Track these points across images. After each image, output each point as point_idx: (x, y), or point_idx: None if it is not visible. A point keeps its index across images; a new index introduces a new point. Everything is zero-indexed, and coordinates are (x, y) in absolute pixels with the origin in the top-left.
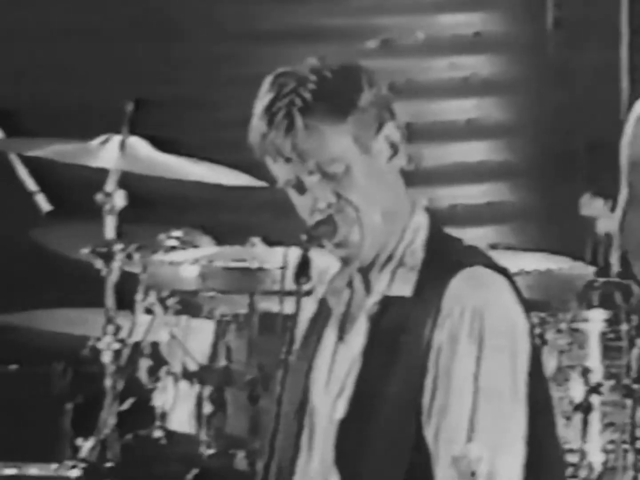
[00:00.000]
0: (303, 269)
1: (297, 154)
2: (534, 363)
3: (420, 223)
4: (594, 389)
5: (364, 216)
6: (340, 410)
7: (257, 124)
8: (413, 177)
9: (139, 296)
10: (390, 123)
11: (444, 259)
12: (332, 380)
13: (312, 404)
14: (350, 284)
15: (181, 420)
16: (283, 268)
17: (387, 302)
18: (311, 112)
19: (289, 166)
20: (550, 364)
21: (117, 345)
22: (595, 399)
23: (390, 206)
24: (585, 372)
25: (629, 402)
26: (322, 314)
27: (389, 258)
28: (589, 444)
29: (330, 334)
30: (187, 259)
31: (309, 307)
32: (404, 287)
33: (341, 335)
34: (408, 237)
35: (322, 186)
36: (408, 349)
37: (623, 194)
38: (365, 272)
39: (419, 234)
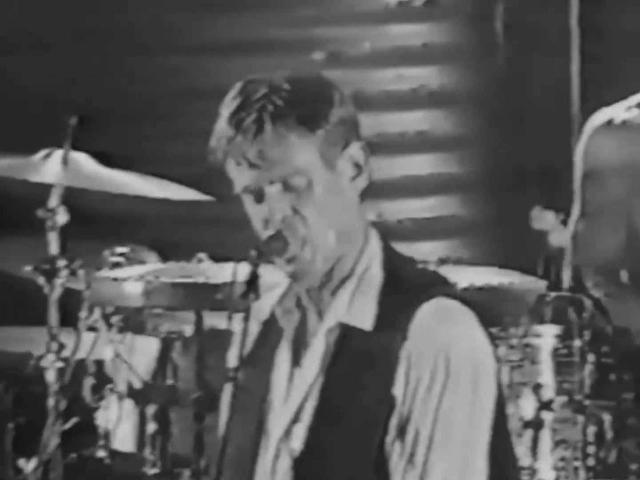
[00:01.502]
0: (252, 285)
1: (262, 160)
2: (498, 407)
3: (375, 245)
4: (546, 406)
5: (317, 234)
6: (297, 440)
7: (222, 127)
8: (361, 191)
9: (82, 313)
10: (356, 143)
11: (404, 285)
12: (289, 405)
13: (267, 428)
14: (299, 303)
15: (125, 440)
16: (231, 284)
17: (345, 332)
18: (282, 119)
19: (251, 172)
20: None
21: (60, 364)
22: (546, 416)
23: (346, 226)
24: (537, 388)
25: (580, 418)
26: (271, 333)
27: (344, 280)
28: (540, 461)
29: (283, 356)
30: (131, 276)
31: (251, 325)
32: (363, 317)
33: (296, 360)
34: (365, 260)
35: (280, 197)
36: (369, 385)
37: (575, 208)
38: (316, 292)
39: (375, 256)
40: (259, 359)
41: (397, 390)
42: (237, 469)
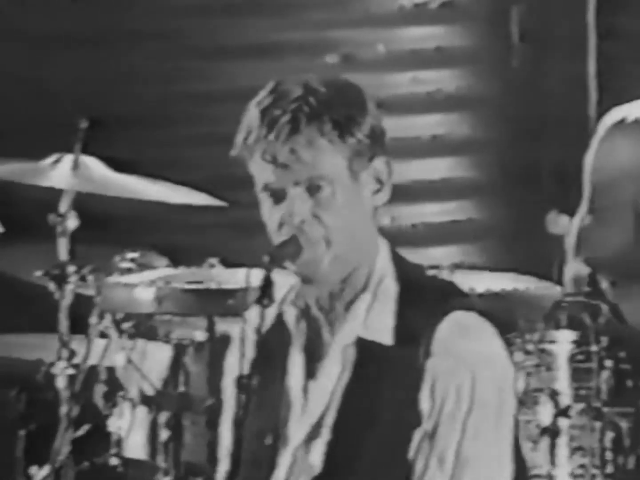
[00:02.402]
0: (265, 290)
1: (291, 161)
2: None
3: (385, 256)
4: (563, 412)
5: (335, 241)
6: (317, 456)
7: (253, 123)
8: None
9: (93, 319)
10: (382, 157)
11: (420, 297)
12: (306, 419)
13: (285, 439)
14: (307, 311)
15: (138, 447)
16: (244, 290)
17: (364, 347)
18: (317, 122)
19: (276, 171)
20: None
21: (71, 371)
22: (563, 423)
23: (362, 238)
24: (554, 394)
25: (598, 425)
26: (279, 337)
27: (359, 294)
28: (557, 468)
29: (296, 365)
30: (142, 281)
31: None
32: (382, 331)
33: (310, 370)
34: (378, 272)
35: (303, 200)
36: (393, 401)
37: (584, 206)
38: (327, 303)
39: (387, 267)
40: (270, 365)
41: (423, 406)
42: (255, 476)
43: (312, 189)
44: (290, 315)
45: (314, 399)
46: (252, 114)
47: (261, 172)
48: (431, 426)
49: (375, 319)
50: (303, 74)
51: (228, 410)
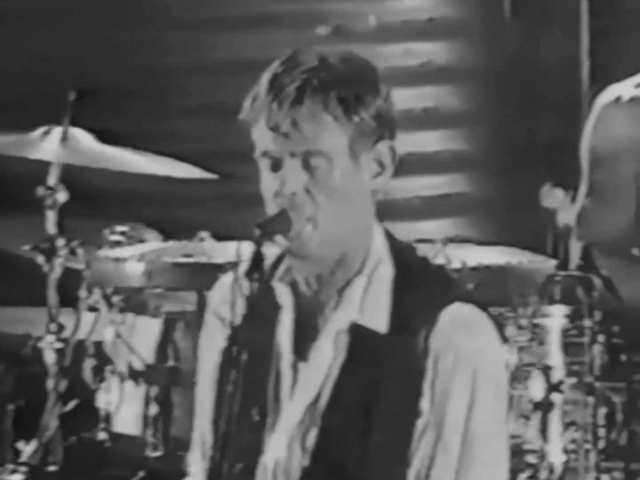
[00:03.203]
0: (256, 264)
1: (291, 131)
2: None
3: (380, 240)
4: (555, 387)
5: (324, 218)
6: (311, 442)
7: (262, 88)
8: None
9: (82, 293)
10: (386, 142)
11: (417, 284)
12: (297, 403)
13: (274, 419)
14: (295, 287)
15: (126, 422)
16: (235, 263)
17: (359, 333)
18: (323, 95)
19: (276, 139)
20: (510, 361)
21: (60, 345)
22: (556, 398)
23: (356, 221)
24: (546, 369)
25: (591, 400)
26: (265, 311)
27: (353, 278)
28: (550, 444)
29: (285, 342)
30: (132, 255)
31: (223, 314)
32: (377, 318)
33: (299, 350)
34: (373, 256)
35: (297, 173)
36: (387, 391)
37: (583, 185)
38: (317, 284)
39: (383, 251)
40: (254, 339)
41: (424, 403)
42: (238, 456)
43: (308, 163)
44: (281, 290)
45: (305, 380)
46: (263, 80)
47: (262, 139)
48: (433, 421)
49: (371, 304)
50: (294, 46)
51: (207, 385)
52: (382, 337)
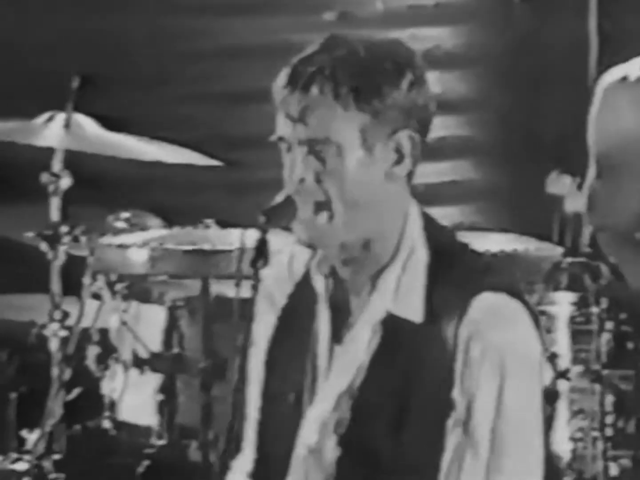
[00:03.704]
0: (260, 252)
1: (300, 118)
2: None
3: (416, 223)
4: (562, 375)
5: (336, 204)
6: (343, 430)
7: (284, 74)
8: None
9: (86, 281)
10: (405, 131)
11: (452, 268)
12: (331, 386)
13: (311, 400)
14: (334, 272)
15: (131, 410)
16: (240, 250)
17: (394, 323)
18: (334, 84)
19: (288, 125)
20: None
21: (64, 332)
22: (563, 385)
23: (373, 209)
24: (553, 357)
25: (598, 388)
26: (305, 297)
27: (387, 264)
28: (557, 432)
29: (322, 326)
30: (136, 242)
31: (276, 296)
32: (412, 308)
33: (336, 334)
34: (407, 241)
35: (304, 160)
36: (422, 383)
37: (591, 172)
38: (352, 270)
39: (418, 235)
40: (296, 330)
41: (456, 392)
42: (276, 441)
43: (315, 151)
44: (317, 280)
45: (340, 366)
46: (290, 64)
47: (280, 124)
48: (463, 415)
49: (404, 293)
50: (300, 31)
51: (255, 374)
52: (416, 326)
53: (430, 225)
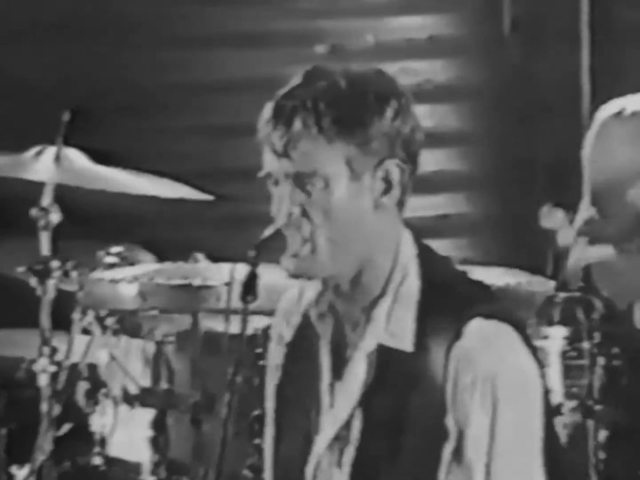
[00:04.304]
0: (250, 286)
1: (284, 152)
2: (546, 421)
3: (408, 251)
4: (555, 410)
5: (321, 236)
6: (345, 461)
7: (269, 109)
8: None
9: (76, 316)
10: (392, 160)
11: (443, 298)
12: (333, 421)
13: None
14: (333, 308)
15: (122, 446)
16: (229, 285)
17: (385, 354)
18: (316, 117)
19: (273, 160)
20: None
21: (53, 368)
22: (556, 420)
23: (362, 239)
24: (546, 392)
25: (590, 423)
26: (307, 339)
27: (379, 297)
28: None
29: (325, 365)
30: (126, 277)
31: (284, 331)
32: (403, 337)
33: (336, 370)
34: (399, 271)
35: (291, 194)
36: (417, 411)
37: (585, 199)
38: (346, 302)
39: (410, 264)
40: (301, 366)
41: (449, 421)
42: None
43: (301, 184)
44: (314, 315)
45: (339, 401)
46: (274, 98)
47: (265, 158)
48: (456, 445)
49: (396, 324)
50: (291, 64)
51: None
52: (408, 355)
53: (425, 254)
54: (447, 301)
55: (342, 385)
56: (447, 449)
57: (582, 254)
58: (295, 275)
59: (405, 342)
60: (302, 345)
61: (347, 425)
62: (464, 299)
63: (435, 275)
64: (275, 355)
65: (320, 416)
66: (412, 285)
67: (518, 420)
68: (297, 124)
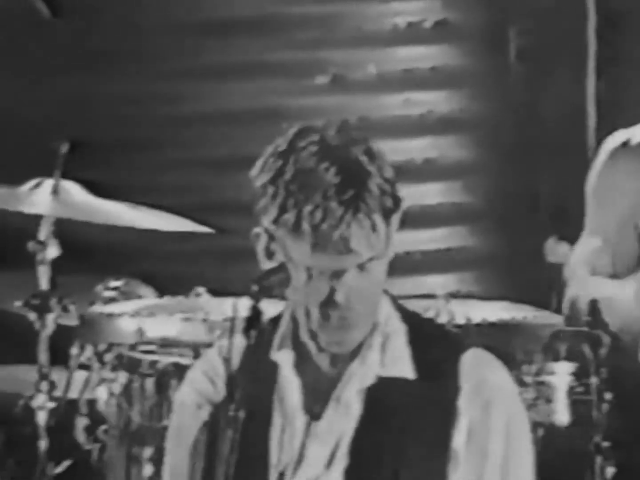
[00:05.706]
0: (253, 320)
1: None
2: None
3: (386, 304)
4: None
5: (358, 315)
6: None
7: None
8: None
9: (74, 351)
10: (397, 213)
11: (430, 336)
12: (311, 462)
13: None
14: (296, 341)
15: None
16: (232, 320)
17: (386, 384)
18: (368, 206)
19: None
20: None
21: (51, 404)
22: None
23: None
24: (552, 428)
25: (598, 459)
26: (257, 368)
27: (369, 335)
28: None
29: (294, 400)
30: (126, 311)
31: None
32: (402, 366)
33: (313, 413)
34: (382, 317)
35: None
36: (420, 438)
37: (588, 226)
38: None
39: (390, 313)
40: (255, 399)
41: (457, 445)
42: None
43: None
44: (282, 357)
45: (322, 439)
46: (270, 153)
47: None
48: (463, 460)
49: (392, 357)
50: (292, 95)
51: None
52: (410, 383)
53: (398, 304)
54: (434, 339)
55: (324, 425)
56: (453, 470)
57: (585, 287)
58: (333, 350)
59: (406, 369)
60: (251, 383)
61: (330, 463)
62: (446, 338)
63: (416, 321)
64: (195, 415)
65: (286, 459)
66: (398, 325)
67: (522, 438)
68: (363, 215)
